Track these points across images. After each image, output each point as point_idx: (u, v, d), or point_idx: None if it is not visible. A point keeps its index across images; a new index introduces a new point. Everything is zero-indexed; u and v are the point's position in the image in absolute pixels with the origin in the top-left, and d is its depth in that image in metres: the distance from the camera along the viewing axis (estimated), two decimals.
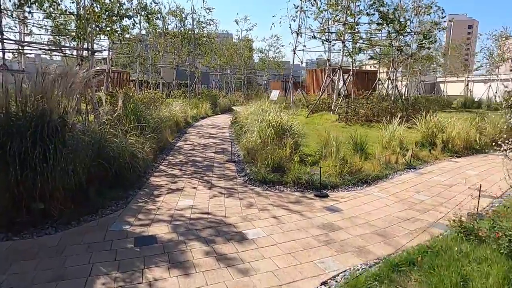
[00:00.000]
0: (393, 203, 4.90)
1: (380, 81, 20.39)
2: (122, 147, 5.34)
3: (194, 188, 5.47)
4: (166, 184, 5.66)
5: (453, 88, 39.65)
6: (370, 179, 5.98)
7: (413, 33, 12.46)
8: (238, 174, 6.42)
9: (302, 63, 18.68)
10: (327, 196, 5.14)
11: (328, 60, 17.58)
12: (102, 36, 15.44)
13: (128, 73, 29.93)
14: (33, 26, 12.09)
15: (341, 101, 13.82)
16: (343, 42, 12.88)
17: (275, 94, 27.80)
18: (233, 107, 24.04)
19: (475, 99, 30.78)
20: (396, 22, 11.51)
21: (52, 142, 3.76)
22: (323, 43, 15.25)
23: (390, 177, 6.38)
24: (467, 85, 38.60)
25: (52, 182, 3.79)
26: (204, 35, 24.12)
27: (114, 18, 8.82)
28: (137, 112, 8.27)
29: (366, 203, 4.87)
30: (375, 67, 27.79)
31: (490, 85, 32.60)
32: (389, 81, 17.18)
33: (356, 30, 13.39)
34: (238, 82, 41.15)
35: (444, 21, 11.61)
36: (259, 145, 7.30)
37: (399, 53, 13.38)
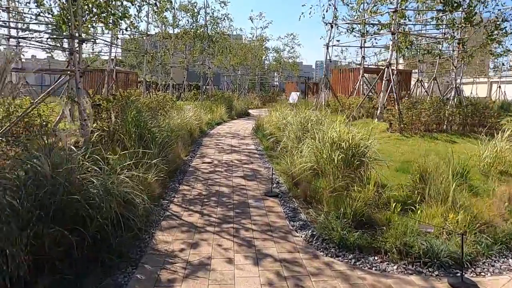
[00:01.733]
0: None
1: (420, 82, 17.93)
2: (107, 190, 3.11)
3: (229, 260, 3.20)
4: (182, 249, 3.40)
5: (477, 90, 36.84)
6: None
7: (483, 23, 10.04)
8: (291, 223, 4.13)
9: (331, 61, 16.27)
10: None
11: (363, 57, 15.22)
12: (105, 31, 13.36)
13: (136, 74, 28.00)
14: (16, 13, 10.07)
15: (383, 104, 11.45)
16: (393, 34, 10.50)
17: (294, 96, 25.49)
18: (249, 111, 21.83)
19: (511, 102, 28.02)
20: (466, 7, 9.10)
21: None
22: (362, 35, 12.88)
23: None
24: (499, 86, 35.65)
25: None
26: (218, 31, 21.96)
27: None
28: (140, 123, 6.09)
29: None
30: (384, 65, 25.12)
31: None
32: (435, 82, 14.75)
33: (408, 19, 11.03)
34: (251, 84, 38.91)
35: None
36: (310, 172, 5.03)
37: (460, 47, 10.94)
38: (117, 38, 15.04)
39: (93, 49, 15.19)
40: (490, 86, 42.72)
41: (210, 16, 20.97)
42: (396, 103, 10.25)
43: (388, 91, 11.44)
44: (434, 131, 9.82)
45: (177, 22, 21.21)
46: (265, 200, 4.96)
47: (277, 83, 47.60)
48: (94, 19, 7.16)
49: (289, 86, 41.30)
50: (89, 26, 8.21)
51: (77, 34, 5.87)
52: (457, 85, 11.70)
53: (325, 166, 4.74)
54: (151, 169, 4.79)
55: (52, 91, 6.49)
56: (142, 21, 20.74)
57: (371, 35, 13.07)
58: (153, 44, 22.27)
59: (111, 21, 7.57)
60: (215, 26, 21.65)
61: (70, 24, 5.85)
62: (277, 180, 5.96)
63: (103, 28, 12.88)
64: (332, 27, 12.74)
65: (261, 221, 4.17)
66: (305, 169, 4.98)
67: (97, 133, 6.08)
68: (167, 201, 4.78)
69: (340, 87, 21.18)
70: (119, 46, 15.33)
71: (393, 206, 3.67)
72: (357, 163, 4.50)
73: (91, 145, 3.70)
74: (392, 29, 10.53)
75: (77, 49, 5.85)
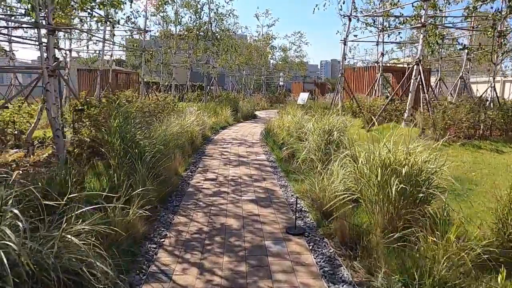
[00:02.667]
0: None
1: (441, 81, 16.50)
2: (41, 264, 1.84)
3: None
4: None
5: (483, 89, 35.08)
6: None
7: None
8: (331, 286, 2.83)
9: (345, 58, 14.91)
10: None
11: (383, 54, 13.87)
12: (100, 27, 12.10)
13: (138, 74, 26.85)
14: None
15: (411, 106, 10.09)
16: (423, 26, 9.14)
17: (303, 97, 24.19)
18: (256, 112, 20.58)
19: None
20: None
21: None
22: (384, 29, 11.55)
23: None
24: None
25: None
26: (223, 29, 20.69)
27: None
28: (126, 134, 4.83)
29: None
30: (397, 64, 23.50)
31: None
32: (460, 81, 13.34)
33: (439, 9, 9.67)
34: (256, 84, 37.61)
35: None
36: (348, 203, 3.73)
37: (500, 41, 9.55)
38: (114, 35, 13.84)
39: (87, 47, 14.01)
40: (503, 85, 40.94)
41: (215, 13, 19.72)
42: (428, 105, 8.90)
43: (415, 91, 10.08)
44: (474, 138, 8.44)
45: (179, 19, 20.01)
46: (288, 241, 3.67)
47: (282, 83, 46.12)
48: (76, 5, 5.92)
49: (295, 87, 39.99)
50: (73, 17, 6.98)
51: (45, 23, 4.63)
52: (493, 85, 10.29)
53: (371, 197, 3.43)
54: (132, 203, 3.54)
55: (17, 95, 5.27)
56: (140, 16, 19.47)
57: (392, 29, 11.68)
58: (154, 42, 21.12)
59: (97, 10, 6.35)
60: (220, 23, 20.41)
61: (36, 9, 4.62)
62: (299, 206, 4.67)
63: (98, 24, 11.60)
64: (350, 20, 11.40)
65: (287, 283, 2.87)
66: (341, 199, 3.67)
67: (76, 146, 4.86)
68: (154, 245, 3.50)
69: (353, 87, 19.79)
70: (116, 43, 14.10)
71: (504, 273, 2.34)
72: (420, 196, 3.19)
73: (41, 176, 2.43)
74: (423, 21, 9.16)
75: (44, 40, 4.61)
